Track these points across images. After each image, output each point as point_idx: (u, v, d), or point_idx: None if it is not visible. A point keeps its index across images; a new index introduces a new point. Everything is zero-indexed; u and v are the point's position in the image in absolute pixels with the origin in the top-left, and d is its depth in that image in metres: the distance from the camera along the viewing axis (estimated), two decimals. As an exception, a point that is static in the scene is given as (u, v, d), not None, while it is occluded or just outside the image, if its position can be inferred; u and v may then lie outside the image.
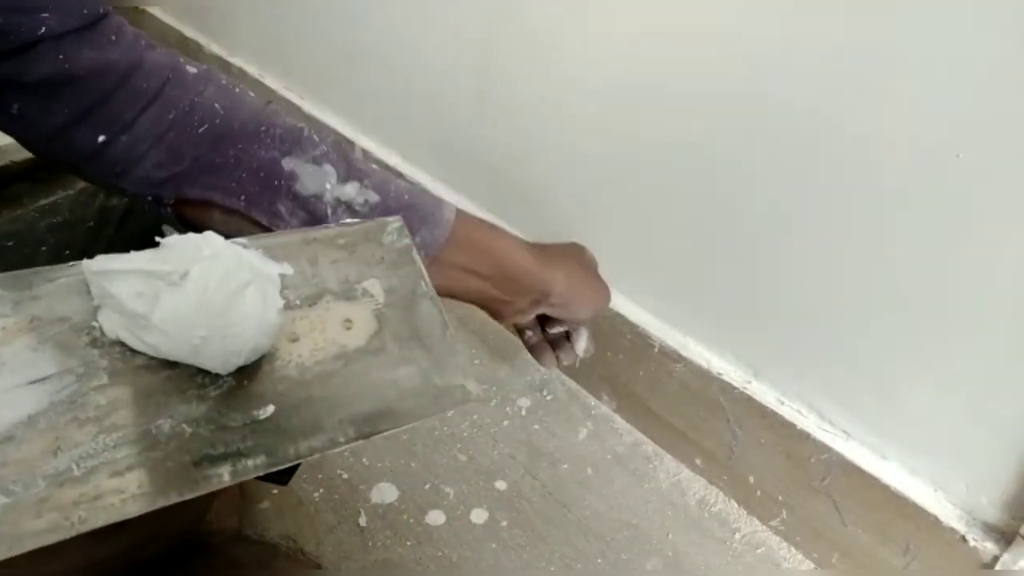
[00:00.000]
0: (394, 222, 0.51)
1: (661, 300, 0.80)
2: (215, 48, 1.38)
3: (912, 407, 0.63)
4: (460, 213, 0.55)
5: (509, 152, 0.91)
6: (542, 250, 0.61)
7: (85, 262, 0.38)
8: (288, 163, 0.51)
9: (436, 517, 0.74)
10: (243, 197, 0.51)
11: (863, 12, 0.55)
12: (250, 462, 0.37)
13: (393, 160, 1.08)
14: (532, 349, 0.68)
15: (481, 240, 0.55)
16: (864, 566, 0.69)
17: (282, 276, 0.45)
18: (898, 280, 0.61)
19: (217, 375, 0.39)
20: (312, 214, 0.52)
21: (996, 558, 0.59)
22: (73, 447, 0.34)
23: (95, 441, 0.35)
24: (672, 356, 0.78)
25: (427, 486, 0.77)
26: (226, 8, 1.33)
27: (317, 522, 0.72)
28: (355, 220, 0.52)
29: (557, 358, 0.68)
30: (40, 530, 0.32)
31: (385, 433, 0.41)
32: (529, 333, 0.67)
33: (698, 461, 0.80)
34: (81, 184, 0.73)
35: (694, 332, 0.78)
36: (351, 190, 0.53)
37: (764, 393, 0.72)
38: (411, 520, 0.73)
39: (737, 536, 0.75)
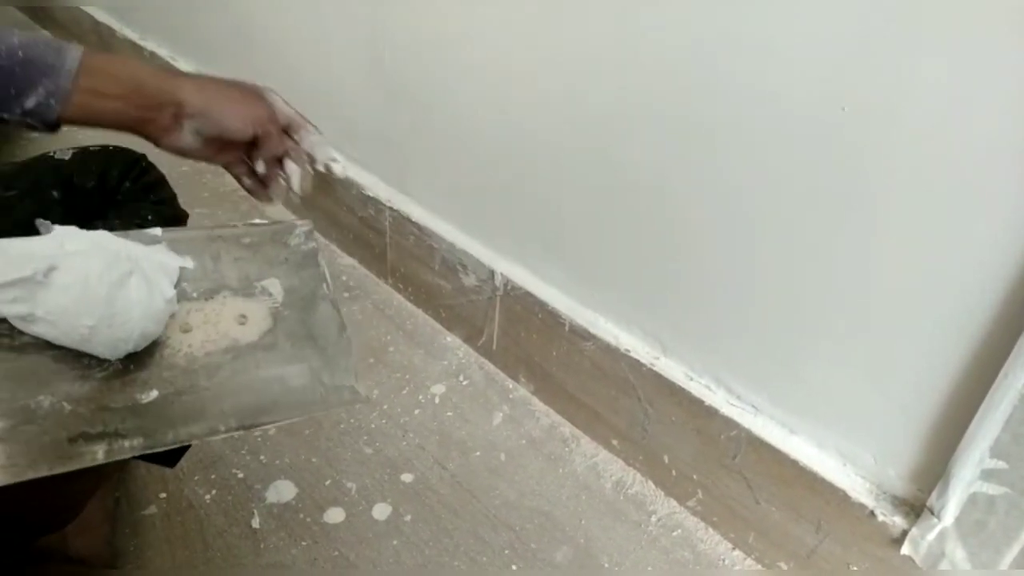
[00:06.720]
0: (303, 225, 0.51)
1: (570, 278, 0.76)
2: (127, 32, 1.32)
3: (816, 379, 0.60)
4: (91, 51, 0.53)
5: (411, 130, 0.86)
6: (179, 72, 0.65)
7: None
8: None
9: (335, 514, 0.70)
10: None
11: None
12: (127, 443, 0.37)
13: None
14: (250, 192, 0.66)
15: (110, 66, 0.54)
16: (779, 545, 0.66)
17: (183, 269, 0.45)
18: (790, 251, 0.57)
19: (104, 359, 0.40)
20: None
21: (905, 532, 0.56)
22: None
23: None
24: (582, 334, 0.74)
25: (328, 482, 0.73)
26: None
27: (206, 526, 0.68)
28: (263, 220, 0.52)
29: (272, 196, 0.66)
30: None
31: (268, 426, 0.42)
32: (240, 173, 0.63)
33: (614, 442, 0.77)
34: None
35: (603, 309, 0.74)
36: None
37: (672, 369, 0.69)
38: (308, 519, 0.69)
39: (653, 519, 0.72)
